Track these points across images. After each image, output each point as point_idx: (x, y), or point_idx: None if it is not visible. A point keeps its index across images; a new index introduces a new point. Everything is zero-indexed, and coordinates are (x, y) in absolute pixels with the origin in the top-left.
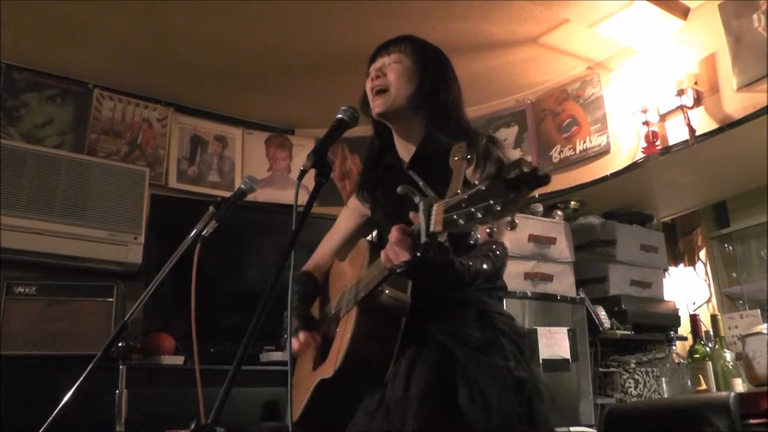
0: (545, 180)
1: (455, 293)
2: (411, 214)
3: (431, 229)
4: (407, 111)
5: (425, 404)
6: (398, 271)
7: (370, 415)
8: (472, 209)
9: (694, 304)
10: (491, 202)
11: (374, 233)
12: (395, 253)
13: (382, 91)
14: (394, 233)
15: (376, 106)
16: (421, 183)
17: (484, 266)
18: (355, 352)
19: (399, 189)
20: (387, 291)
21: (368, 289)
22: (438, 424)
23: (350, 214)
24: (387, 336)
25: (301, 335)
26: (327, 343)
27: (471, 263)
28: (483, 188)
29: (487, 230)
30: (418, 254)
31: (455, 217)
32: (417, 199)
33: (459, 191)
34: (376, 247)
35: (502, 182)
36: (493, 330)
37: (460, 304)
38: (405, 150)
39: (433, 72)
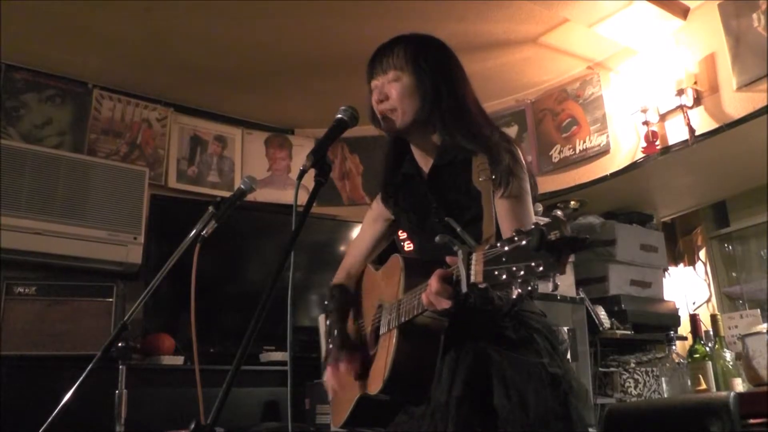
0: (586, 244)
1: None
2: (448, 259)
3: (472, 279)
4: (418, 125)
5: (463, 406)
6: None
7: (417, 419)
8: (513, 267)
9: (693, 303)
10: (533, 263)
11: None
12: (437, 300)
13: (389, 114)
14: (433, 283)
15: (388, 127)
16: (458, 229)
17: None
18: (398, 371)
19: (437, 239)
20: (425, 312)
21: (408, 316)
22: (476, 425)
23: (375, 218)
24: (428, 353)
25: (341, 366)
26: (365, 356)
27: (510, 292)
28: (523, 244)
29: (529, 288)
30: (459, 301)
31: (496, 273)
32: (456, 248)
33: (498, 245)
34: (411, 265)
35: (543, 244)
36: (527, 329)
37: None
38: (423, 159)
39: (434, 78)
